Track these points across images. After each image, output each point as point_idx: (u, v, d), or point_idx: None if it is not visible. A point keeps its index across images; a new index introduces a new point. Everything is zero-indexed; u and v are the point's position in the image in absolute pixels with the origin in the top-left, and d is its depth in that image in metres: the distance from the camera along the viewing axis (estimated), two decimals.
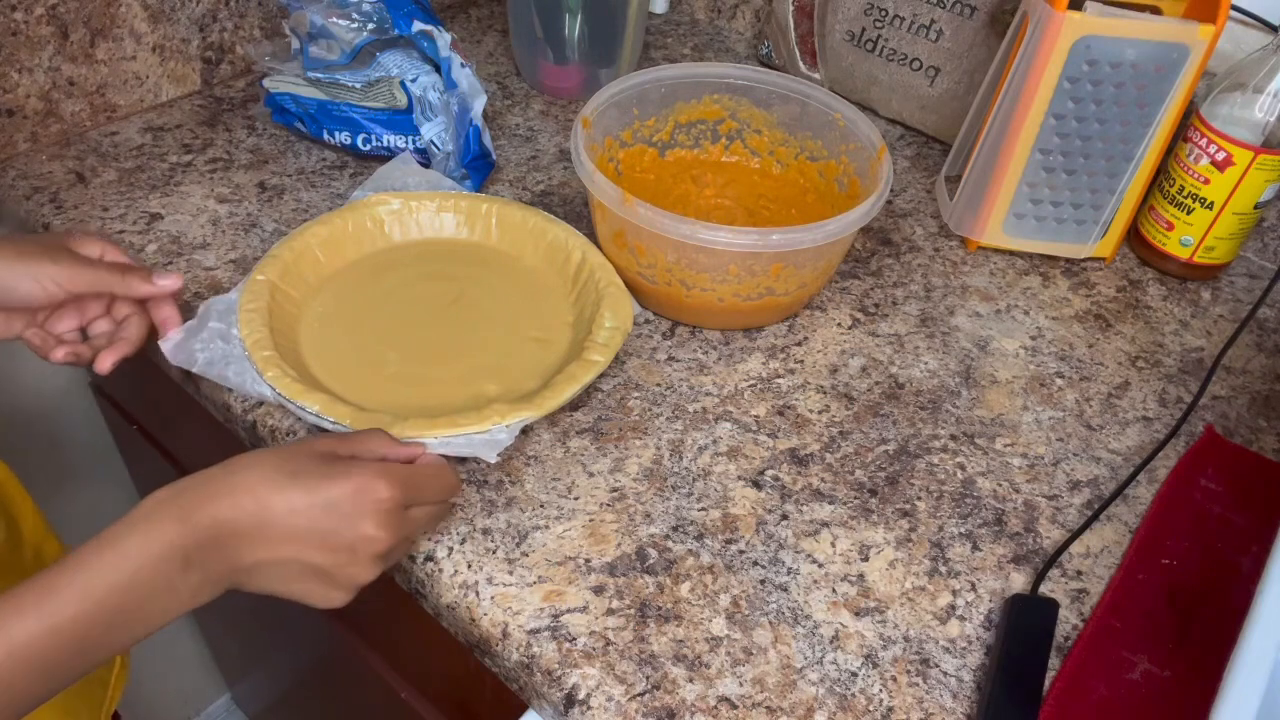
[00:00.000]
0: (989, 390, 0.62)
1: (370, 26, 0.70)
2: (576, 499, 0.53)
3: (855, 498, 0.55)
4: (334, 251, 0.63)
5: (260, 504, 0.41)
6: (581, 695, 0.45)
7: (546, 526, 0.51)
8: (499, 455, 0.51)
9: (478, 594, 0.48)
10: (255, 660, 1.10)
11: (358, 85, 0.72)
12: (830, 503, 0.54)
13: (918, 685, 0.46)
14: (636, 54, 0.86)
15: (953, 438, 0.59)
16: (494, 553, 0.50)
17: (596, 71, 0.85)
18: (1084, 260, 0.73)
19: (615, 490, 0.53)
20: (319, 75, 0.72)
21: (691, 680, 0.45)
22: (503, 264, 0.65)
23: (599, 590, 0.49)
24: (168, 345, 0.56)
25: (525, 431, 0.56)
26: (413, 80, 0.71)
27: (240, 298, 0.57)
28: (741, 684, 0.46)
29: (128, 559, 0.38)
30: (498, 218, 0.66)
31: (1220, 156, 0.66)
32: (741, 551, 0.51)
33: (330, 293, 0.62)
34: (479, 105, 0.69)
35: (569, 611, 0.48)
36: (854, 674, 0.47)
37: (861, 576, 0.51)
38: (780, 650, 0.47)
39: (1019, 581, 0.52)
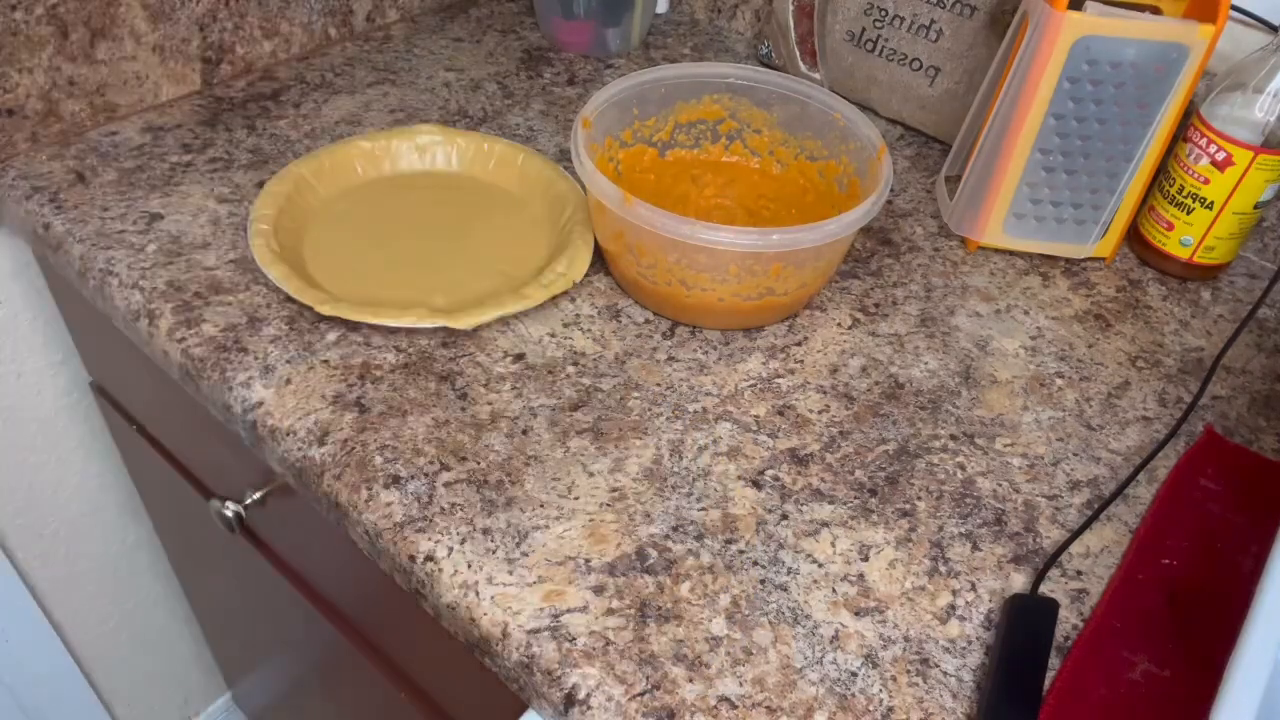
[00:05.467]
0: (989, 390, 0.62)
1: None
2: (576, 499, 0.53)
3: (855, 498, 0.55)
4: (371, 165, 0.72)
5: None
6: (581, 695, 0.45)
7: (546, 526, 0.51)
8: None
9: (478, 594, 0.48)
10: (255, 660, 1.10)
11: None
12: (830, 503, 0.54)
13: (918, 685, 0.47)
14: (648, 20, 0.92)
15: (953, 438, 0.59)
16: (494, 553, 0.50)
17: (604, 31, 0.89)
18: (1084, 260, 0.73)
19: (615, 490, 0.53)
20: None
21: (691, 680, 0.45)
22: (511, 206, 0.72)
23: (599, 590, 0.49)
24: None
25: (525, 432, 0.56)
26: None
27: (270, 180, 0.68)
28: (741, 684, 0.46)
29: None
30: (523, 166, 0.73)
31: (1220, 156, 0.66)
32: (741, 551, 0.51)
33: (355, 199, 0.70)
34: None
35: (569, 611, 0.48)
36: (854, 674, 0.47)
37: (861, 576, 0.51)
38: (780, 650, 0.47)
39: (1019, 581, 0.52)
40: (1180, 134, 0.69)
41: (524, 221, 0.71)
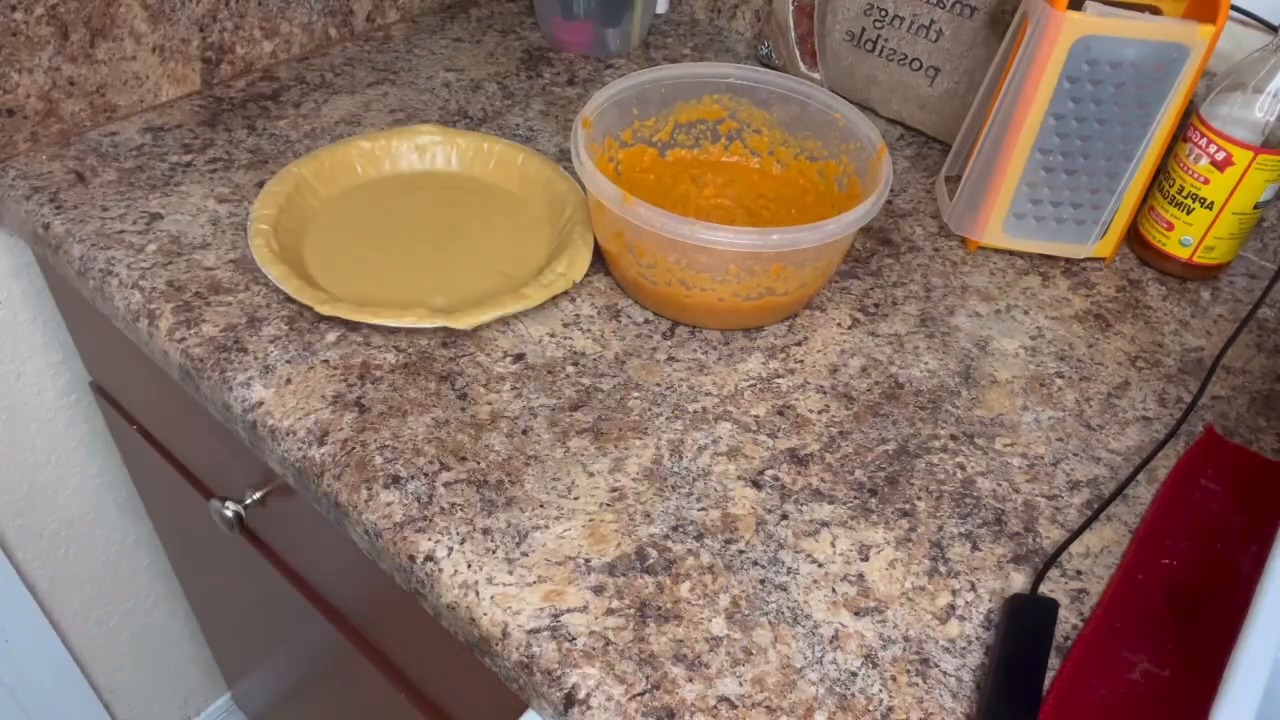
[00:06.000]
0: (989, 390, 0.62)
1: None
2: (576, 499, 0.53)
3: (855, 498, 0.55)
4: (371, 165, 0.73)
5: None
6: (581, 695, 0.45)
7: (546, 526, 0.51)
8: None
9: (478, 594, 0.48)
10: (255, 660, 1.10)
11: None
12: (830, 503, 0.54)
13: (917, 685, 0.47)
14: (648, 20, 0.92)
15: (952, 438, 0.59)
16: (494, 553, 0.50)
17: (604, 31, 0.89)
18: (1084, 260, 0.73)
19: (615, 490, 0.53)
20: None
21: (691, 680, 0.45)
22: (510, 206, 0.72)
23: (599, 590, 0.49)
24: None
25: (525, 432, 0.56)
26: None
27: (270, 180, 0.68)
28: (741, 684, 0.46)
29: None
30: (523, 166, 0.73)
31: (1220, 156, 0.66)
32: (741, 551, 0.51)
33: (355, 199, 0.70)
34: None
35: (569, 611, 0.48)
36: (854, 674, 0.47)
37: (861, 576, 0.51)
38: (780, 650, 0.47)
39: (1019, 581, 0.52)
40: (1180, 134, 0.69)
41: (524, 221, 0.71)
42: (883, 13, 0.82)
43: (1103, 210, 0.70)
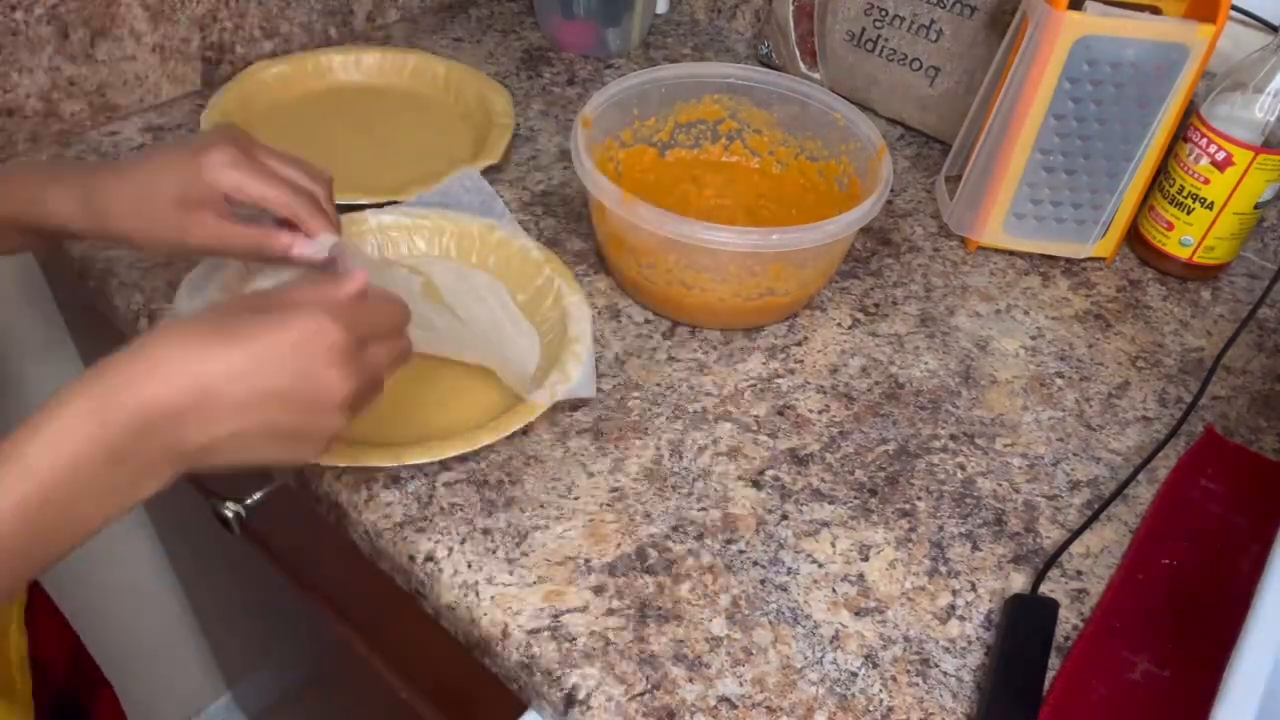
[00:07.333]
0: (989, 390, 0.62)
1: None
2: (576, 499, 0.53)
3: (855, 498, 0.55)
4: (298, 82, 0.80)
5: (192, 375, 0.34)
6: (581, 695, 0.45)
7: (546, 526, 0.51)
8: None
9: (478, 594, 0.48)
10: (255, 660, 1.10)
11: None
12: (830, 503, 0.54)
13: (918, 685, 0.47)
14: (648, 20, 0.92)
15: (953, 438, 0.59)
16: (494, 553, 0.50)
17: (604, 31, 0.89)
18: (1084, 260, 0.73)
19: (615, 490, 0.53)
20: None
21: (691, 680, 0.45)
22: (428, 107, 0.80)
23: (599, 590, 0.49)
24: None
25: (526, 432, 0.56)
26: None
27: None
28: (741, 684, 0.46)
29: (44, 464, 0.33)
30: (444, 73, 0.80)
31: (1220, 156, 0.66)
32: (741, 551, 0.51)
33: (281, 115, 0.78)
34: None
35: (569, 611, 0.48)
36: (854, 674, 0.47)
37: (861, 576, 0.51)
38: (780, 650, 0.47)
39: (1019, 581, 0.52)
40: (1180, 134, 0.69)
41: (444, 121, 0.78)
42: (883, 13, 0.82)
43: (1103, 210, 0.70)
